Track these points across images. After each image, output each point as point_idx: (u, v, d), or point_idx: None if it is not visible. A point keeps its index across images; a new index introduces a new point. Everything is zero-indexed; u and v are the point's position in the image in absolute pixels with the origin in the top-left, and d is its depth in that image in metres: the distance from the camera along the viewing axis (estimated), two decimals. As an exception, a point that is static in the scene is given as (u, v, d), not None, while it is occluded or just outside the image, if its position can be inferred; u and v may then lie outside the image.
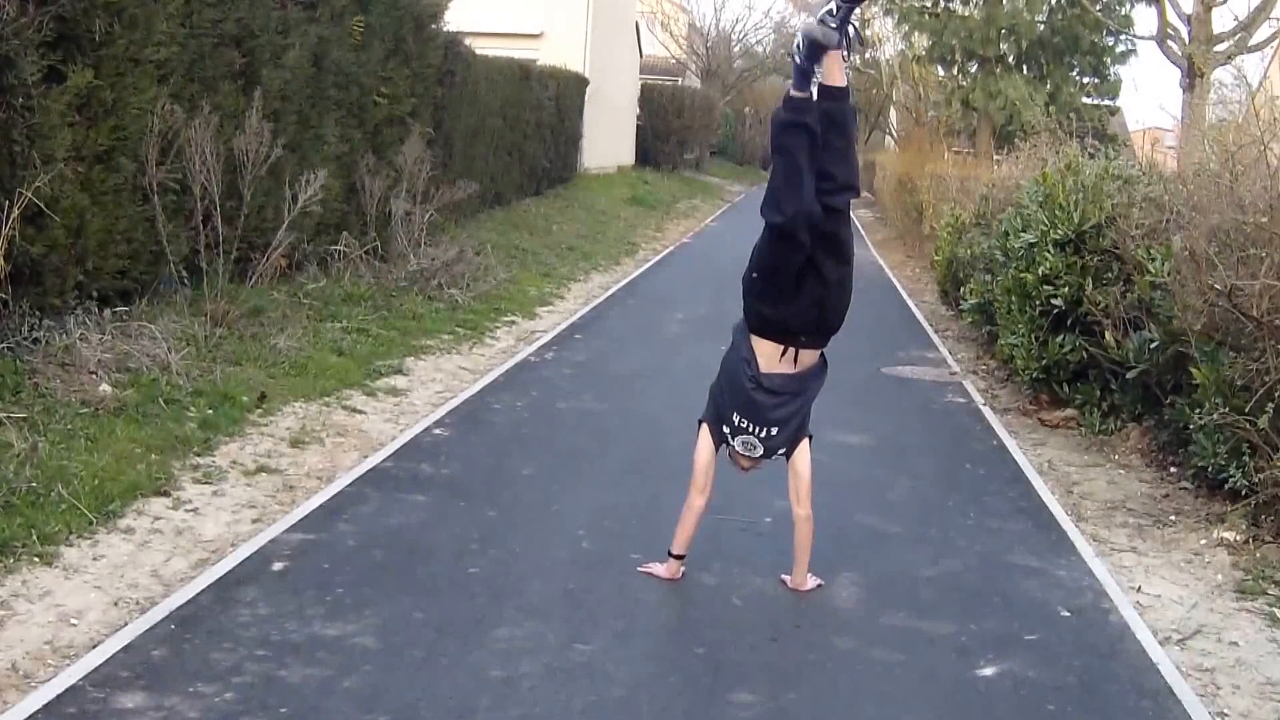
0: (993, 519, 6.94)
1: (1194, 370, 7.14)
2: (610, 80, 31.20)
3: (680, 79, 51.68)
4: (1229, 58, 20.75)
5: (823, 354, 5.38)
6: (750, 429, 5.34)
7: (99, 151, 7.64)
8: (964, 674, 4.86)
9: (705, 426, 5.46)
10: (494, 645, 4.77)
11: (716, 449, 5.45)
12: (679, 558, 5.55)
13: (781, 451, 5.41)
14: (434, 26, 14.44)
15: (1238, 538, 6.62)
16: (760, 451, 5.39)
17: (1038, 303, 9.30)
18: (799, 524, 5.49)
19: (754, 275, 5.24)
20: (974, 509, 7.09)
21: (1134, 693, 4.82)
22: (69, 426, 6.48)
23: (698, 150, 44.61)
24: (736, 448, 5.41)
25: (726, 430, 5.39)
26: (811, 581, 5.62)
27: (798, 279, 5.09)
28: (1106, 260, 8.96)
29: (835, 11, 4.94)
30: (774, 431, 5.34)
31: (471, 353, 10.78)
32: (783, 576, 5.65)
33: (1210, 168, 8.27)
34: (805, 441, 5.43)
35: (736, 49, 57.41)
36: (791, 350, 5.23)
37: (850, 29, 5.05)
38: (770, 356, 5.24)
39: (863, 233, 30.51)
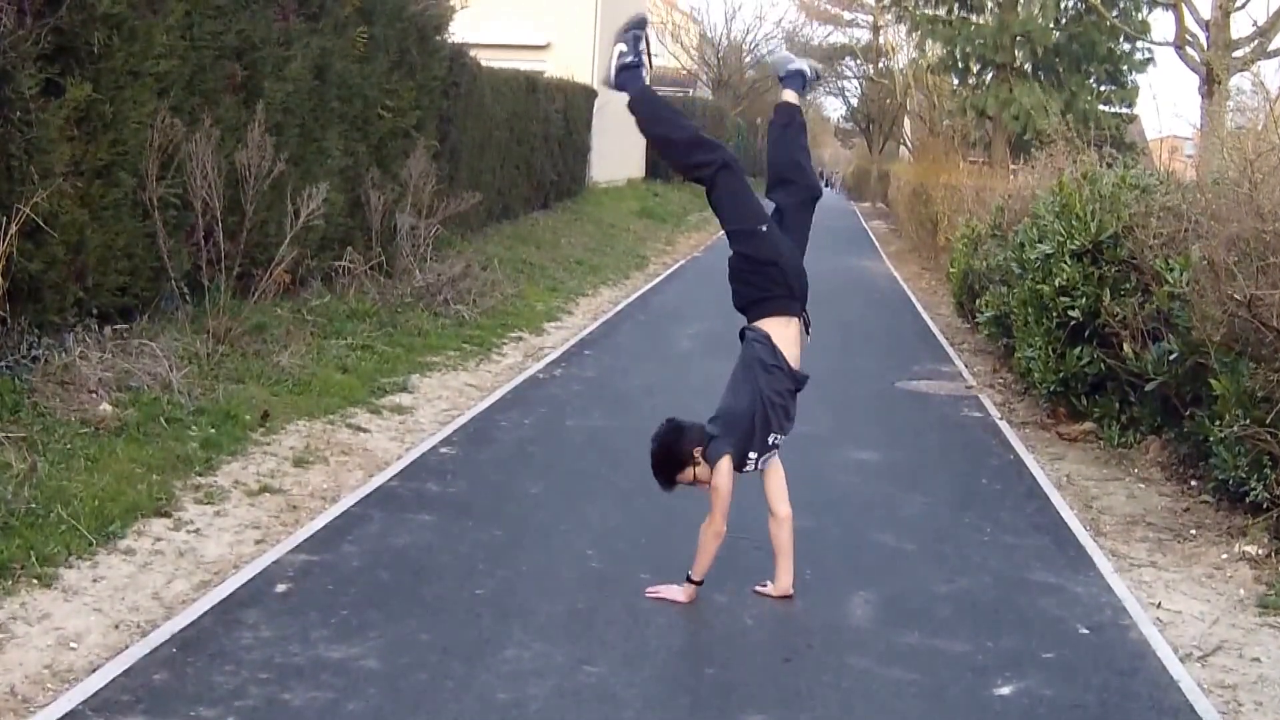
0: (1009, 535, 6.85)
1: (1214, 382, 7.06)
2: (619, 92, 31.14)
3: (691, 89, 51.76)
4: (1247, 64, 20.64)
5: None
6: (777, 440, 5.44)
7: (98, 166, 7.58)
8: (980, 693, 4.77)
9: (728, 458, 5.33)
10: (501, 667, 4.69)
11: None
12: (698, 584, 5.46)
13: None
14: (439, 38, 14.41)
15: (1259, 551, 6.54)
16: (768, 455, 5.48)
17: (1055, 314, 9.21)
18: (783, 525, 5.51)
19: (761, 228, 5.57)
20: (990, 525, 7.00)
21: (1154, 711, 4.74)
22: (68, 446, 6.41)
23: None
24: (760, 466, 5.45)
25: (754, 455, 5.38)
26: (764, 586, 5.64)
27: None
28: (1124, 271, 8.87)
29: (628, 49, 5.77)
30: (787, 434, 5.49)
31: (478, 369, 10.70)
32: (761, 588, 5.61)
33: (1229, 176, 8.20)
34: None
35: (748, 59, 57.56)
36: (802, 322, 5.41)
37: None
38: (791, 342, 5.35)
39: (876, 244, 30.58)
